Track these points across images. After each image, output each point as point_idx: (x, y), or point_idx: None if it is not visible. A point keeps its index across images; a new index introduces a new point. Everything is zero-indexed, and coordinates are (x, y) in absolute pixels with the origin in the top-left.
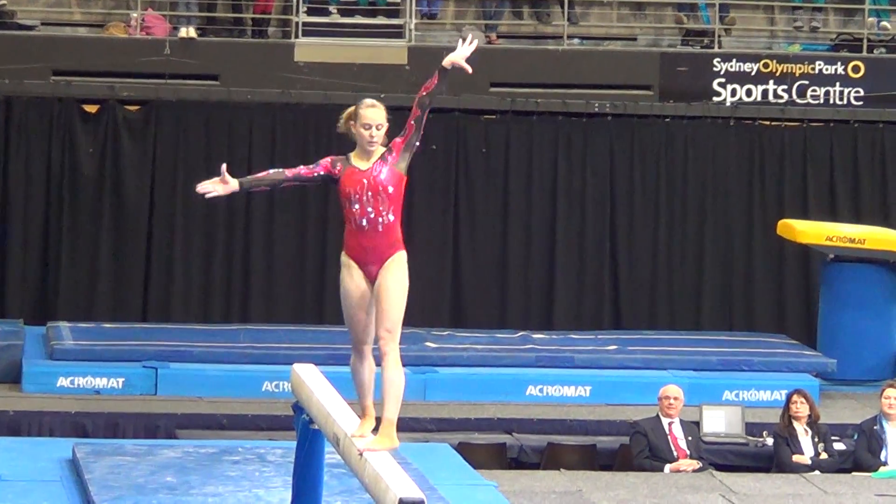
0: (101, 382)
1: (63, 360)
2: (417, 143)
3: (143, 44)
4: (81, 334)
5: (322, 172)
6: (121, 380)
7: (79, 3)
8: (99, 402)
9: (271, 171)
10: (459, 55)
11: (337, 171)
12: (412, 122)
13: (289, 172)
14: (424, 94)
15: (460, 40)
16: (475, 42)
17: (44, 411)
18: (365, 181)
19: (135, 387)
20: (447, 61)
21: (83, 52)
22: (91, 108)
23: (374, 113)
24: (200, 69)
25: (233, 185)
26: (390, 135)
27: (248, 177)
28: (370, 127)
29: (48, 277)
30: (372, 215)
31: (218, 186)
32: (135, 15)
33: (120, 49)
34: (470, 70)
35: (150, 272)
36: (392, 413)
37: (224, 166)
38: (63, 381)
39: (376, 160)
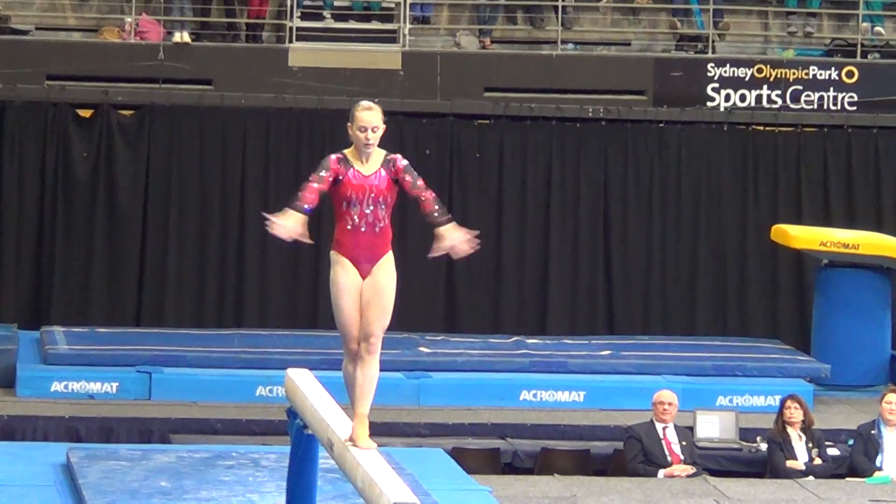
0: (95, 387)
1: (57, 365)
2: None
3: (137, 48)
4: (75, 339)
5: (332, 178)
6: (115, 384)
7: (73, 8)
8: (93, 406)
9: (308, 196)
10: (458, 244)
11: (342, 172)
12: (412, 192)
13: (311, 196)
14: (423, 205)
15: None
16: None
17: (38, 416)
18: (367, 186)
19: (129, 391)
20: (446, 242)
21: (77, 56)
22: (85, 113)
23: (369, 115)
24: (194, 74)
25: (298, 221)
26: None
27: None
28: (366, 129)
29: (42, 282)
30: (371, 219)
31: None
32: (129, 20)
33: (114, 54)
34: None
35: (143, 276)
36: (367, 408)
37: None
38: (57, 386)
39: (378, 168)
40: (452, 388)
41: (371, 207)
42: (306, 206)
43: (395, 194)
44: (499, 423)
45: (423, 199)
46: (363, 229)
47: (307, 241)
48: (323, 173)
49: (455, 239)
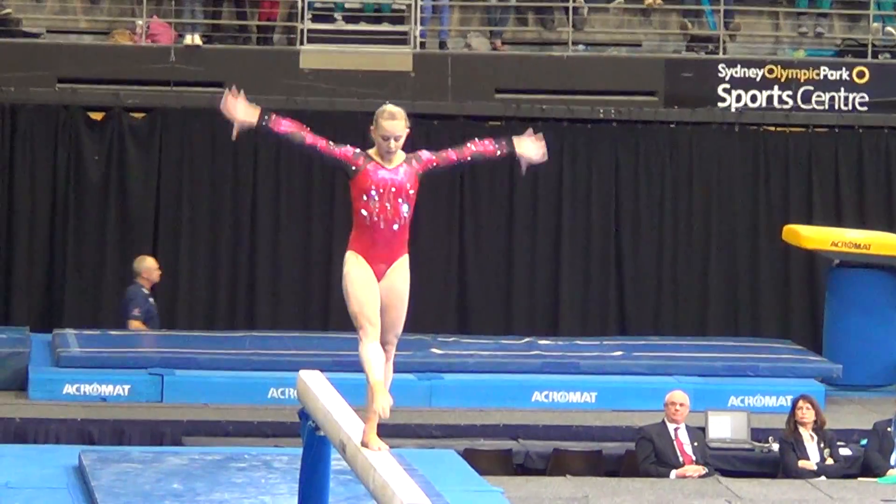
0: (107, 389)
1: (69, 368)
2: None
3: (148, 51)
4: (87, 341)
5: (337, 157)
6: (127, 387)
7: (84, 11)
8: (105, 409)
9: (297, 128)
10: (535, 154)
11: (358, 164)
12: (452, 159)
13: (309, 138)
14: (478, 151)
15: (533, 138)
16: (543, 147)
17: (50, 418)
18: (389, 180)
19: (141, 394)
20: (522, 154)
21: (88, 59)
22: (96, 116)
23: (392, 125)
24: (205, 76)
25: (252, 113)
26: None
27: (272, 114)
28: (388, 139)
29: (54, 284)
30: (390, 215)
31: (239, 107)
32: (140, 22)
33: (125, 56)
34: (536, 161)
35: None
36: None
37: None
38: (69, 389)
39: (401, 163)
40: (464, 389)
41: (391, 202)
42: (273, 118)
43: (417, 192)
44: (511, 424)
45: (468, 146)
46: (381, 226)
47: (250, 121)
48: (333, 145)
49: (526, 148)
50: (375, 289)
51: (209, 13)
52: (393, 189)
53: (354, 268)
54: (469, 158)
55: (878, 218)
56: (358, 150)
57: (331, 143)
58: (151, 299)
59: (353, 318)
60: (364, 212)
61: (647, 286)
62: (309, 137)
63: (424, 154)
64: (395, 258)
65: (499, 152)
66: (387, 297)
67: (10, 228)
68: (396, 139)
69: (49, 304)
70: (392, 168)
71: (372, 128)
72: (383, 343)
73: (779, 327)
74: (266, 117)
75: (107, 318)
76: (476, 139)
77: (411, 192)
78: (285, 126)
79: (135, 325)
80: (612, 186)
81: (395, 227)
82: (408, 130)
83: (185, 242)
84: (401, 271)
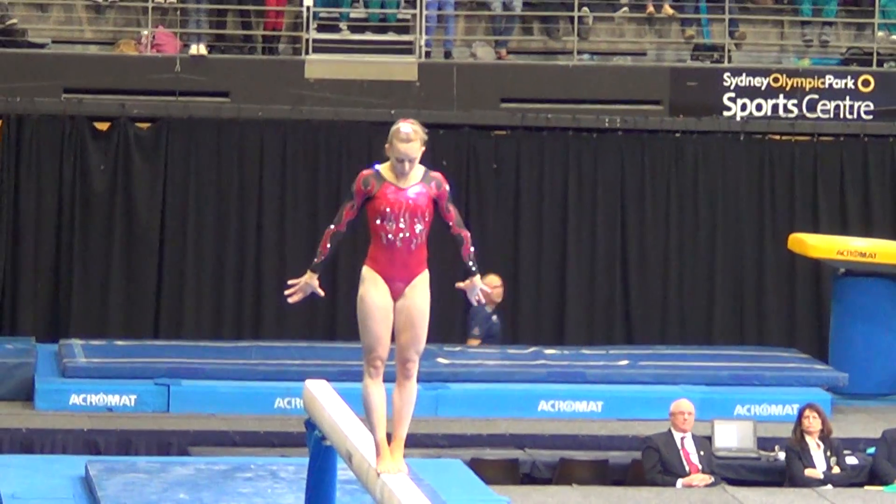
0: (113, 400)
1: (75, 378)
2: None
3: (153, 61)
4: (93, 352)
5: (359, 203)
6: (133, 397)
7: (89, 21)
8: (111, 419)
9: (328, 237)
10: (472, 296)
11: (371, 189)
12: (451, 218)
13: (342, 227)
14: (462, 246)
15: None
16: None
17: (56, 429)
18: (403, 201)
19: (147, 404)
20: (465, 287)
21: (94, 69)
22: (102, 126)
23: (406, 147)
24: (211, 86)
25: (313, 280)
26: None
27: (317, 260)
28: (402, 161)
29: (60, 295)
30: (407, 234)
31: (304, 288)
32: (145, 32)
33: (131, 66)
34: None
35: (161, 289)
36: (405, 432)
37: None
38: (75, 399)
39: (417, 181)
40: (471, 398)
41: (406, 223)
42: (320, 260)
43: (433, 211)
44: (517, 433)
45: (464, 238)
46: (398, 245)
47: (320, 293)
48: (349, 202)
49: (475, 290)
50: (390, 321)
51: (214, 23)
52: (408, 211)
53: (371, 291)
54: (454, 234)
55: (884, 226)
56: (368, 175)
57: (349, 206)
58: (495, 317)
59: (364, 349)
60: (381, 232)
61: (652, 295)
62: (341, 227)
63: (445, 185)
64: (413, 276)
65: (463, 258)
66: (405, 316)
67: (16, 238)
68: (411, 161)
69: (55, 315)
70: (407, 187)
71: (387, 145)
72: (404, 361)
73: (785, 336)
74: (315, 265)
75: (113, 329)
76: (468, 243)
77: (426, 211)
78: (327, 250)
79: (472, 343)
80: (618, 195)
81: (413, 245)
82: (423, 149)
83: (191, 252)
84: (420, 289)
